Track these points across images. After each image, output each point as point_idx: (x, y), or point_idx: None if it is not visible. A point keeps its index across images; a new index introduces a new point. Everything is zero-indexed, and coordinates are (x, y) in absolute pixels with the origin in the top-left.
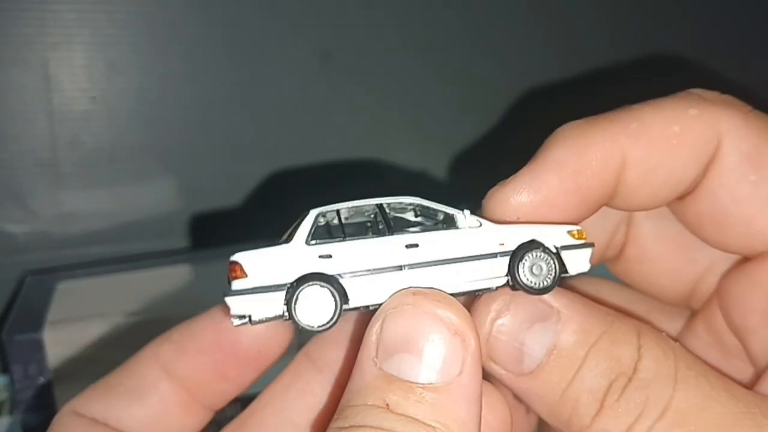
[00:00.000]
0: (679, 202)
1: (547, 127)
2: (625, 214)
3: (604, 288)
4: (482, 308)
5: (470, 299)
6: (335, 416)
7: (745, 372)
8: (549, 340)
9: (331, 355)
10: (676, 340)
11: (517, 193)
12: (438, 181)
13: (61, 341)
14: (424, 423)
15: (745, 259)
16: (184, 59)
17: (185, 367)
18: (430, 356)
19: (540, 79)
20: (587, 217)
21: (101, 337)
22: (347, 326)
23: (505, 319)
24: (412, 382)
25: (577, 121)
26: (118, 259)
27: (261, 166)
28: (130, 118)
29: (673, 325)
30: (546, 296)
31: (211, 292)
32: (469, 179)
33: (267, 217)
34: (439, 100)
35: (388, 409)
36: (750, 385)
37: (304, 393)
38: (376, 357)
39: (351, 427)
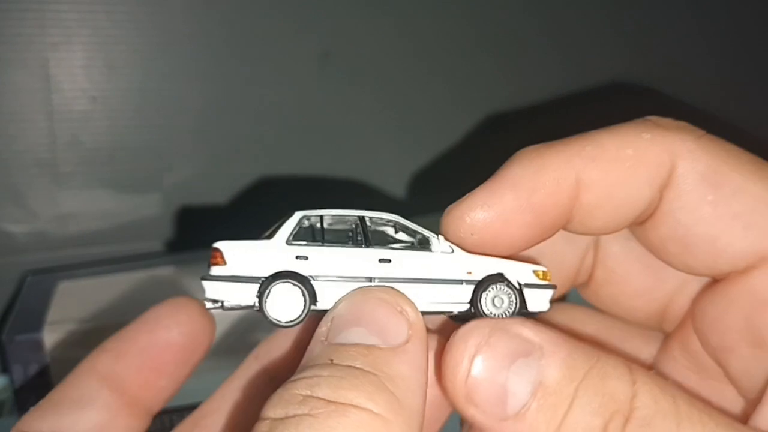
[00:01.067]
0: (641, 227)
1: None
2: (592, 239)
3: (578, 315)
4: (458, 343)
5: (445, 336)
6: None
7: (725, 394)
8: (534, 376)
9: (279, 356)
10: (651, 367)
11: (472, 210)
12: (435, 183)
13: (61, 341)
14: (365, 370)
15: (714, 280)
16: (183, 59)
17: (123, 370)
18: (377, 326)
19: (540, 85)
20: (545, 239)
21: (101, 337)
22: (295, 333)
23: (485, 356)
24: (358, 344)
25: (536, 145)
26: (119, 259)
27: (261, 167)
28: (130, 118)
29: (648, 348)
30: (526, 330)
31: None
32: (469, 180)
33: (265, 217)
34: (438, 103)
35: (331, 363)
36: (741, 418)
37: (255, 389)
38: (326, 339)
39: (289, 382)
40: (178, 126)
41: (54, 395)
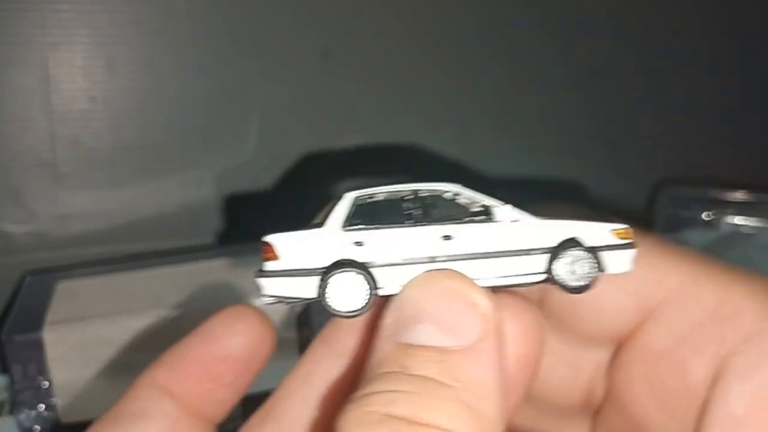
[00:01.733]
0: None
1: (542, 129)
2: None
3: None
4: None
5: None
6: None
7: None
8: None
9: (348, 340)
10: None
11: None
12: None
13: (60, 341)
14: (441, 382)
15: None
16: (184, 59)
17: (182, 382)
18: (448, 324)
19: (538, 80)
20: None
21: (101, 337)
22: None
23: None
24: (430, 347)
25: None
26: (119, 259)
27: (261, 167)
28: (130, 118)
29: None
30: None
31: (212, 291)
32: (470, 180)
33: (263, 221)
34: (441, 100)
35: (403, 372)
36: None
37: (325, 380)
38: (394, 334)
39: (364, 396)
40: (178, 126)
41: (114, 409)
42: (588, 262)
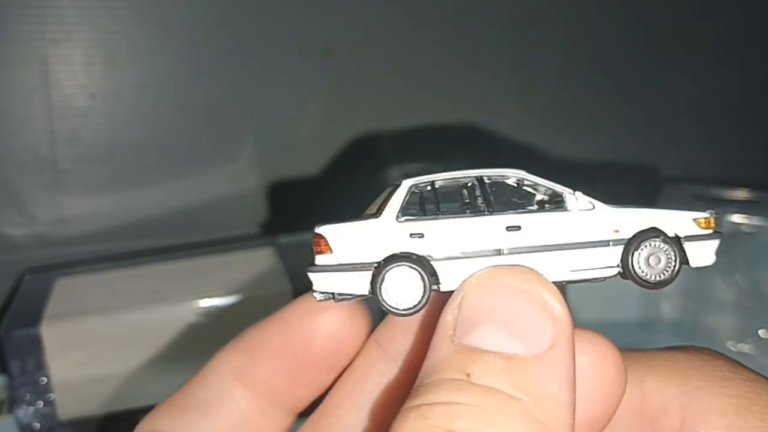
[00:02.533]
0: None
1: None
2: None
3: None
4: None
5: None
6: (408, 398)
7: None
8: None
9: (403, 342)
10: None
11: None
12: None
13: (59, 337)
14: (509, 395)
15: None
16: (183, 56)
17: (258, 374)
18: (517, 326)
19: (539, 79)
20: None
21: (100, 332)
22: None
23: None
24: (496, 352)
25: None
26: (118, 256)
27: (261, 166)
28: (130, 115)
29: None
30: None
31: (213, 291)
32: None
33: (263, 222)
34: (442, 100)
35: (468, 380)
36: None
37: (380, 385)
38: (454, 335)
39: (422, 405)
40: (177, 123)
41: (183, 392)
42: (666, 254)
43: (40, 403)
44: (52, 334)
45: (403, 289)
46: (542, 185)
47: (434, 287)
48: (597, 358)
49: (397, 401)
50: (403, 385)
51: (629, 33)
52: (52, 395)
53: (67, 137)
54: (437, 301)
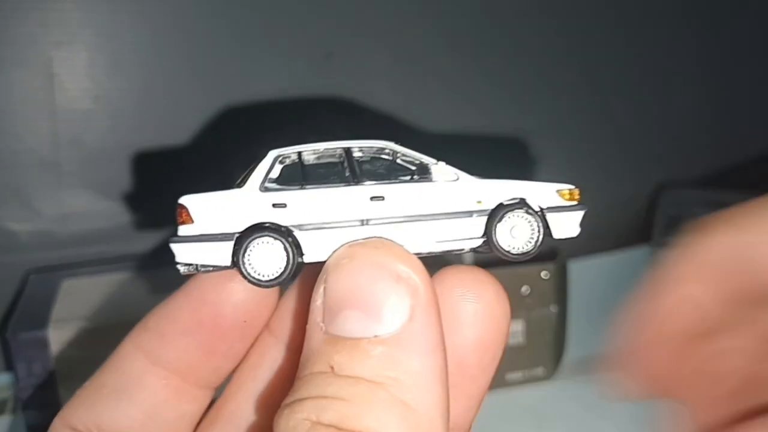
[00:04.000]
0: None
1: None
2: None
3: None
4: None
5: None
6: (288, 393)
7: None
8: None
9: (293, 327)
10: None
11: None
12: None
13: (65, 339)
14: (370, 381)
15: None
16: (187, 59)
17: (169, 352)
18: (374, 307)
19: (540, 83)
20: None
21: (106, 335)
22: (305, 295)
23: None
24: (357, 339)
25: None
26: (122, 258)
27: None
28: (133, 118)
29: None
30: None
31: None
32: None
33: None
34: (443, 100)
35: (332, 372)
36: None
37: (272, 371)
38: (322, 322)
39: (295, 402)
40: (180, 126)
41: (96, 380)
42: (530, 225)
43: (46, 405)
44: (58, 336)
45: (265, 259)
46: (409, 155)
47: (299, 259)
48: (487, 306)
49: (288, 388)
50: (295, 369)
51: (625, 36)
52: (57, 397)
53: (71, 140)
54: (313, 273)
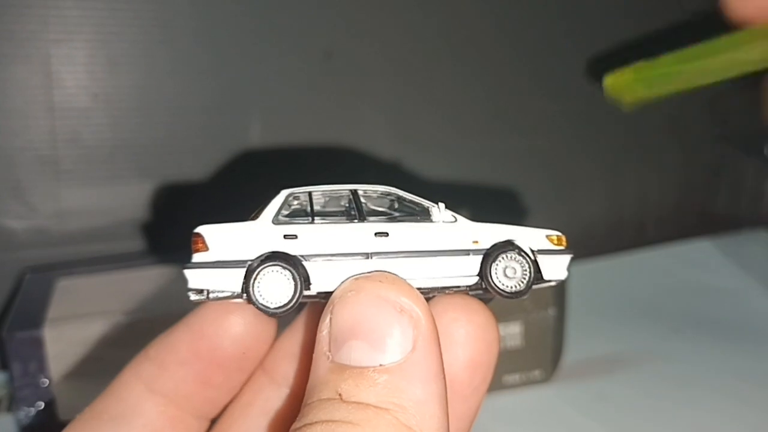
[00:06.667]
0: None
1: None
2: None
3: None
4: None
5: None
6: (296, 419)
7: None
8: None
9: (288, 368)
10: None
11: None
12: (437, 184)
13: (61, 339)
14: (377, 407)
15: None
16: (185, 57)
17: (167, 382)
18: (378, 338)
19: (541, 85)
20: None
21: (102, 334)
22: (300, 336)
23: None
24: (363, 368)
25: None
26: (119, 257)
27: (264, 165)
28: (132, 116)
29: None
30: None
31: None
32: (475, 183)
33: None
34: (443, 104)
35: (340, 399)
36: None
37: (265, 410)
38: (329, 351)
39: (304, 426)
40: (179, 124)
41: (96, 406)
42: (522, 266)
43: (41, 405)
44: (54, 336)
45: (274, 287)
46: (409, 200)
47: (306, 287)
48: (478, 329)
49: (281, 426)
50: (288, 409)
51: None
52: (53, 397)
53: (69, 137)
54: (315, 320)
